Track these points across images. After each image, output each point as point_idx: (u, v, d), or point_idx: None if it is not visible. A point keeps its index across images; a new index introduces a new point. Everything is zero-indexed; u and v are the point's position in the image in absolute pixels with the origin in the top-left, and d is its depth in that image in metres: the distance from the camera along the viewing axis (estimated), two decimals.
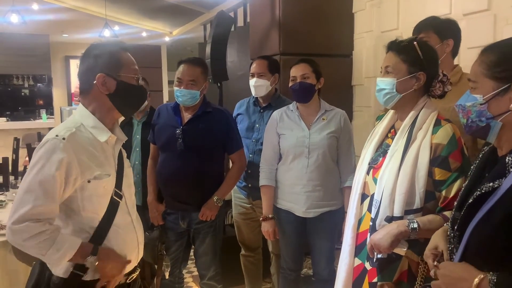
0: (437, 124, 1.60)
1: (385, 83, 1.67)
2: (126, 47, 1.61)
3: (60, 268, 1.52)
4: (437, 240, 1.28)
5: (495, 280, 0.99)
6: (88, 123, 1.54)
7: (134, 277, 1.69)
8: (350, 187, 2.17)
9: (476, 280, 1.01)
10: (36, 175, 1.42)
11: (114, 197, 1.57)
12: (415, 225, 1.51)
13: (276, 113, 2.57)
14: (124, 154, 1.74)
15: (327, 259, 2.47)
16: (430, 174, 1.57)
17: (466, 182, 1.26)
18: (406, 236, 1.54)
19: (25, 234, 1.40)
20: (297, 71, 2.43)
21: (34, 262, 1.63)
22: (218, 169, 2.60)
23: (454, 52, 2.08)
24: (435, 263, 1.25)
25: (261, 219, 2.54)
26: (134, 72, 1.58)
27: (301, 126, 2.46)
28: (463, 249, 1.11)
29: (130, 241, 1.64)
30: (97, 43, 1.60)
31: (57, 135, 1.45)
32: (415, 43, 1.64)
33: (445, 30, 2.05)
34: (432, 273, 1.18)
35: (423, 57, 1.62)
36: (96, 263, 1.50)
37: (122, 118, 1.73)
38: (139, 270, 1.73)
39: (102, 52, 1.54)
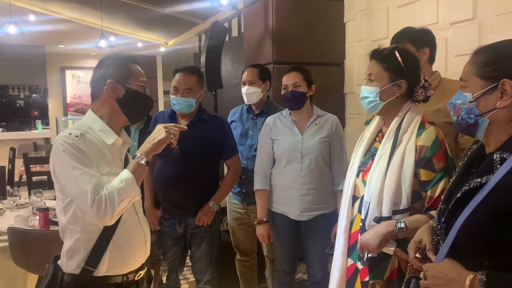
0: (421, 127, 1.67)
1: (369, 91, 1.74)
2: (136, 60, 1.72)
3: (71, 264, 1.58)
4: (422, 234, 1.33)
5: (484, 279, 1.04)
6: (95, 127, 1.63)
7: (142, 274, 1.74)
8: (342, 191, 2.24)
9: (468, 282, 1.05)
10: (71, 167, 1.50)
11: None
12: (402, 225, 1.58)
13: (269, 119, 2.63)
14: (130, 158, 1.80)
15: (320, 262, 2.52)
16: (416, 175, 1.64)
17: (454, 177, 1.32)
18: (394, 236, 1.60)
19: (101, 208, 1.48)
20: (288, 80, 2.50)
21: (47, 265, 1.68)
22: (214, 174, 2.66)
23: (431, 59, 2.15)
24: (417, 254, 1.32)
25: (255, 222, 2.59)
26: (142, 82, 1.69)
27: (294, 131, 2.52)
28: (452, 243, 1.15)
29: (137, 237, 1.70)
30: (110, 55, 1.72)
31: (70, 133, 1.55)
32: (396, 51, 1.71)
33: (420, 39, 2.11)
34: (421, 275, 1.22)
35: (404, 65, 1.69)
36: (147, 158, 1.60)
37: None
38: (146, 268, 1.78)
39: (113, 62, 1.67)
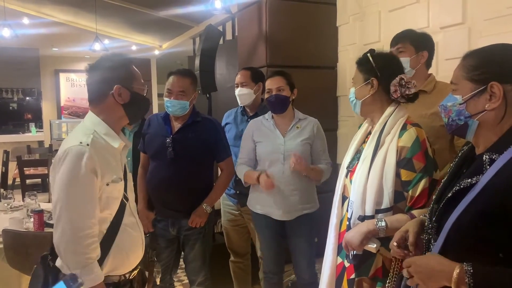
0: (403, 129, 1.72)
1: (351, 93, 1.86)
2: (133, 60, 1.73)
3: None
4: (409, 225, 1.38)
5: (471, 271, 1.06)
6: (100, 130, 1.64)
7: (135, 273, 1.77)
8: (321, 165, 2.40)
9: (455, 274, 1.08)
10: (73, 186, 1.51)
11: (122, 199, 1.68)
12: (383, 224, 1.62)
13: (253, 122, 2.68)
14: (124, 160, 1.83)
15: (307, 261, 2.55)
16: (397, 175, 1.69)
17: (445, 178, 1.35)
18: (375, 234, 1.64)
19: (60, 250, 1.53)
20: (272, 84, 2.53)
21: (35, 266, 1.69)
22: (207, 176, 2.67)
23: (428, 63, 2.20)
24: (394, 243, 1.38)
25: (255, 177, 2.51)
26: (143, 85, 1.72)
27: (276, 134, 2.56)
28: (443, 241, 1.18)
29: (136, 239, 1.73)
30: (107, 55, 1.72)
31: (81, 142, 1.54)
32: (368, 54, 1.81)
33: (420, 42, 2.17)
34: (404, 273, 1.24)
35: (375, 65, 1.77)
36: None
37: None
38: (139, 268, 1.81)
39: (117, 65, 1.66)
